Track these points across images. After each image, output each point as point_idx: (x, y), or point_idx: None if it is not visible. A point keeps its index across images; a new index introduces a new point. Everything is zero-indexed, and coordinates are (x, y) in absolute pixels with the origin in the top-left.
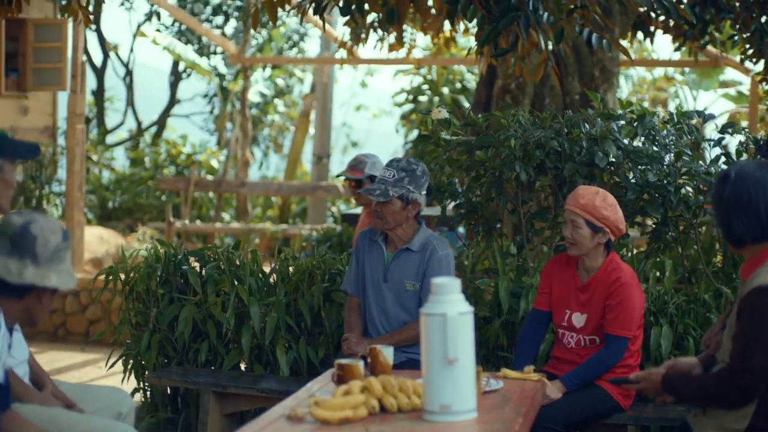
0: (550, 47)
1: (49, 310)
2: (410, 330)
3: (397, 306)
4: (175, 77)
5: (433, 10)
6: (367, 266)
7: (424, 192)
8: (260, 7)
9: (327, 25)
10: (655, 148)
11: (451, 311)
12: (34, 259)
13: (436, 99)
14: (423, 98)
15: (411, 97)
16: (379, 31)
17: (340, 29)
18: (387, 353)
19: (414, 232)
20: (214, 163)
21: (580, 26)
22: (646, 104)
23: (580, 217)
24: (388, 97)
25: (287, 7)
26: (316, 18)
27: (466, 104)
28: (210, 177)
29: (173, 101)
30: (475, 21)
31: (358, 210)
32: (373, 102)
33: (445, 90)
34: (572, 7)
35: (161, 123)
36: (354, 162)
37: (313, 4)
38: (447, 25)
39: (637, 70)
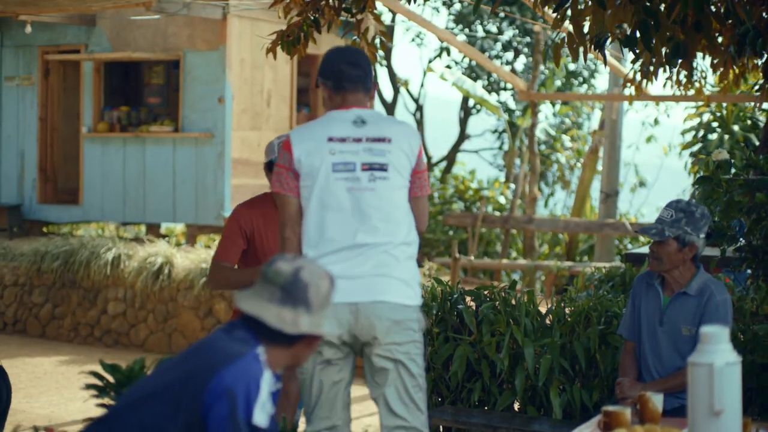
0: None
1: (313, 353)
2: (684, 376)
3: (672, 351)
4: (465, 112)
5: (722, 47)
6: (643, 310)
7: (702, 235)
8: (561, 43)
9: (616, 62)
10: None
11: (718, 361)
12: (308, 308)
13: (726, 137)
14: (713, 136)
15: (700, 134)
16: (668, 69)
17: (629, 66)
18: (656, 400)
19: (692, 276)
20: (501, 199)
21: None
22: None
23: None
24: (680, 132)
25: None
26: (599, 55)
27: (757, 142)
28: (497, 213)
29: (463, 136)
30: (765, 56)
31: (643, 249)
32: (665, 137)
33: (736, 127)
34: None
35: (451, 158)
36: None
37: (594, 40)
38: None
39: None
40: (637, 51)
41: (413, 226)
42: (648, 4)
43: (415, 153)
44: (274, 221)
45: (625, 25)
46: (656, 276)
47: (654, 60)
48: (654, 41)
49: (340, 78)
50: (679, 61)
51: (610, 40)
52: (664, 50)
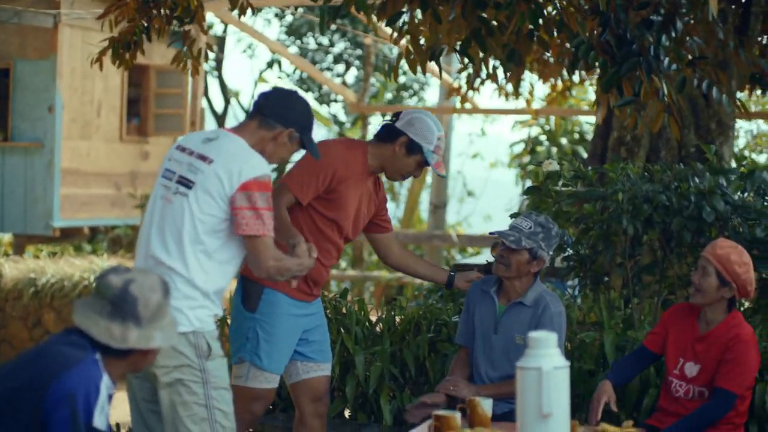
0: (673, 96)
1: (153, 361)
2: (511, 383)
3: (505, 358)
4: None
5: (551, 59)
6: (477, 317)
7: (551, 253)
8: (399, 58)
9: (445, 74)
10: (765, 203)
11: (546, 365)
12: (136, 322)
13: (554, 150)
14: (541, 149)
15: (529, 147)
16: (498, 79)
17: (457, 76)
18: (485, 405)
19: (528, 286)
20: None
21: (698, 78)
22: (764, 157)
23: (712, 265)
24: (506, 145)
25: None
26: (434, 67)
27: (585, 155)
28: None
29: None
30: (593, 73)
31: (472, 260)
32: (491, 150)
33: (564, 140)
34: (692, 57)
35: (280, 170)
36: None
37: (429, 51)
38: (565, 74)
39: (758, 122)
40: (471, 59)
41: (202, 252)
42: (483, 15)
43: (235, 183)
44: (361, 179)
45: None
46: (492, 284)
47: (485, 70)
48: (487, 50)
49: None
50: (508, 74)
51: (446, 51)
52: (492, 62)
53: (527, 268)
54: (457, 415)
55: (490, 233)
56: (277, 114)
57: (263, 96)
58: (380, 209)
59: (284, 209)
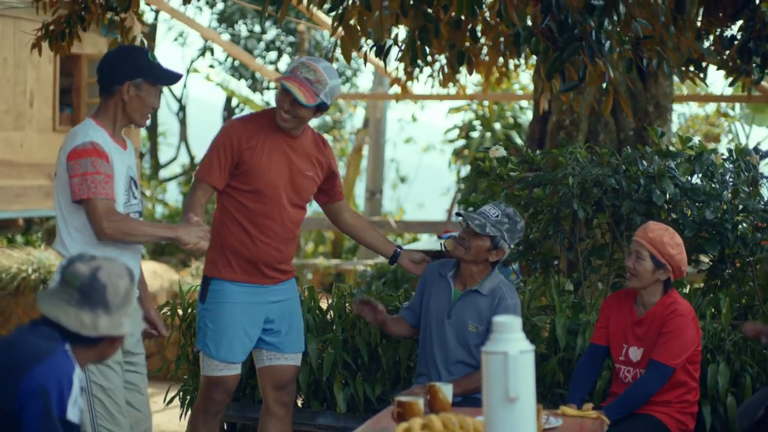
0: (617, 79)
1: (118, 349)
2: (473, 379)
3: (458, 344)
4: (228, 112)
5: (485, 49)
6: (432, 300)
7: (512, 246)
8: (336, 46)
9: (380, 62)
10: (713, 185)
11: (512, 350)
12: (106, 309)
13: (488, 135)
14: (475, 134)
15: (463, 132)
16: (433, 67)
17: (392, 65)
18: (446, 391)
19: (486, 275)
20: None
21: (647, 59)
22: (697, 139)
23: (646, 249)
24: (438, 131)
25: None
26: (377, 60)
27: (519, 140)
28: None
29: None
30: (528, 59)
31: (412, 246)
32: (423, 136)
33: (497, 126)
34: (637, 37)
35: None
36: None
37: (375, 48)
38: (499, 62)
39: (689, 105)
40: (423, 57)
41: (74, 228)
42: (428, 10)
43: (65, 158)
44: (273, 141)
45: (402, 28)
46: (450, 268)
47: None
48: (432, 47)
49: None
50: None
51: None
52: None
53: (485, 256)
54: (420, 401)
55: (456, 213)
56: (107, 79)
57: (96, 74)
58: (330, 178)
59: (198, 198)
